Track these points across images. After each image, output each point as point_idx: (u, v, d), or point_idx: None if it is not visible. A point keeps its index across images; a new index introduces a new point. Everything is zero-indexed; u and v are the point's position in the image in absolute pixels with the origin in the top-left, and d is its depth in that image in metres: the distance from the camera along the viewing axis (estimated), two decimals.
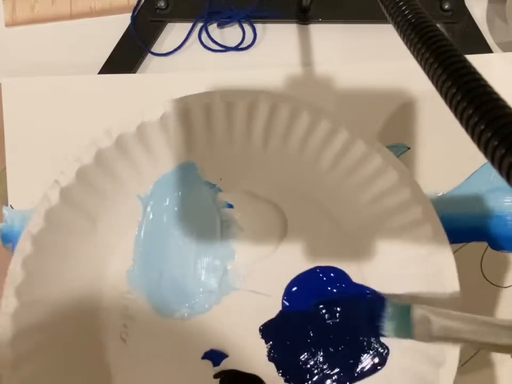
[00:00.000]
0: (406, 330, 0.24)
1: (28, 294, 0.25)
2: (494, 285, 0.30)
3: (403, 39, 0.16)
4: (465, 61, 0.14)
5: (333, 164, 0.27)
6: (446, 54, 0.14)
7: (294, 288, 0.28)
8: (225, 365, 0.28)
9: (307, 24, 0.33)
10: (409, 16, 0.16)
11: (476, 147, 0.13)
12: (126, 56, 0.33)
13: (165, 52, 0.33)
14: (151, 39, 0.33)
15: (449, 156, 0.30)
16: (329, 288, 0.28)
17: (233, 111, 0.26)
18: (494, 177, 0.30)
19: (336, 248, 0.28)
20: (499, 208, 0.30)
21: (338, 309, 0.27)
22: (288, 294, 0.28)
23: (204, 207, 0.29)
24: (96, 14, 0.34)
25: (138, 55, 0.33)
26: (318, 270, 0.28)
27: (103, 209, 0.28)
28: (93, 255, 0.28)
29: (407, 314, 0.24)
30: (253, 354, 0.28)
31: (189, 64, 0.33)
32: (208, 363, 0.28)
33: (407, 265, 0.26)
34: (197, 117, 0.26)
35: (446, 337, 0.22)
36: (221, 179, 0.29)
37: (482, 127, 0.12)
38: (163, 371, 0.28)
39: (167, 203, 0.29)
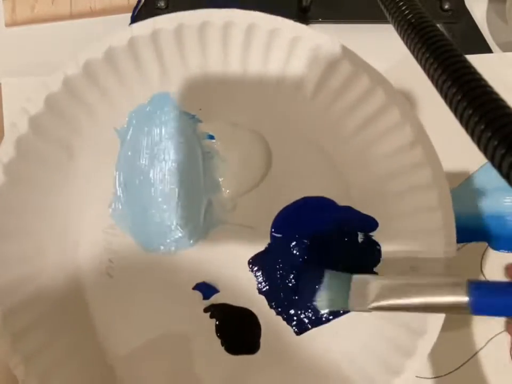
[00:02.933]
0: (341, 300, 0.23)
1: (5, 226, 0.24)
2: None
3: (403, 39, 0.16)
4: (465, 61, 0.14)
5: (317, 88, 0.26)
6: (446, 54, 0.14)
7: (282, 220, 0.27)
8: (216, 299, 0.27)
9: (307, 24, 0.33)
10: (409, 16, 0.16)
11: (475, 147, 0.13)
12: None
13: None
14: None
15: (449, 156, 0.30)
16: (318, 219, 0.27)
17: (206, 32, 0.24)
18: (494, 177, 0.30)
19: (323, 178, 0.27)
20: (499, 208, 0.30)
21: (327, 240, 0.27)
22: (276, 226, 0.27)
23: (184, 138, 0.27)
24: (96, 14, 0.34)
25: None
26: (306, 201, 0.27)
27: (78, 142, 0.26)
28: (73, 190, 0.27)
29: (346, 285, 0.23)
30: (243, 287, 0.27)
31: None
32: (198, 298, 0.27)
33: (398, 195, 0.25)
34: (167, 39, 0.24)
35: (381, 306, 0.22)
36: (200, 109, 0.27)
37: (482, 127, 0.12)
38: (151, 305, 0.27)
39: (145, 135, 0.27)
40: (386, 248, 0.26)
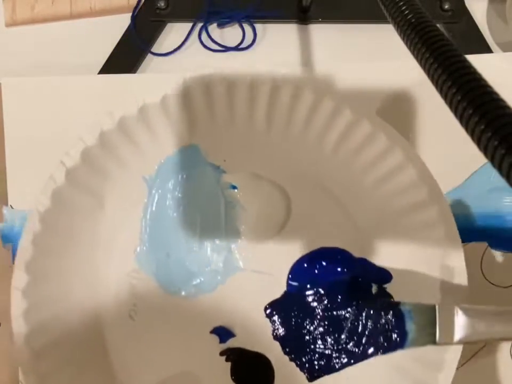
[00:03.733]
0: (429, 337, 0.23)
1: (38, 270, 0.26)
2: (494, 285, 0.30)
3: (403, 39, 0.16)
4: (465, 61, 0.14)
5: (337, 145, 0.27)
6: (446, 54, 0.14)
7: (299, 269, 0.28)
8: (231, 343, 0.28)
9: (307, 24, 0.33)
10: (409, 16, 0.16)
11: (475, 147, 0.13)
12: (126, 56, 0.33)
13: (165, 52, 0.33)
14: (151, 39, 0.33)
15: (449, 156, 0.30)
16: (334, 269, 0.28)
17: (234, 92, 0.26)
18: (494, 177, 0.30)
19: (340, 230, 0.28)
20: (499, 208, 0.30)
21: (342, 290, 0.27)
22: (292, 274, 0.28)
23: (208, 188, 0.29)
24: (96, 14, 0.34)
25: (138, 55, 0.33)
26: (322, 251, 0.28)
27: (109, 190, 0.28)
28: (101, 236, 0.28)
29: (432, 319, 0.23)
30: (259, 333, 0.28)
31: (189, 64, 0.33)
32: (214, 341, 0.28)
33: (412, 250, 0.26)
34: (197, 98, 0.26)
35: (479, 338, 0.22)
36: (224, 160, 0.29)
37: (482, 127, 0.12)
38: (170, 346, 0.28)
39: (171, 184, 0.29)
40: (399, 299, 0.27)
